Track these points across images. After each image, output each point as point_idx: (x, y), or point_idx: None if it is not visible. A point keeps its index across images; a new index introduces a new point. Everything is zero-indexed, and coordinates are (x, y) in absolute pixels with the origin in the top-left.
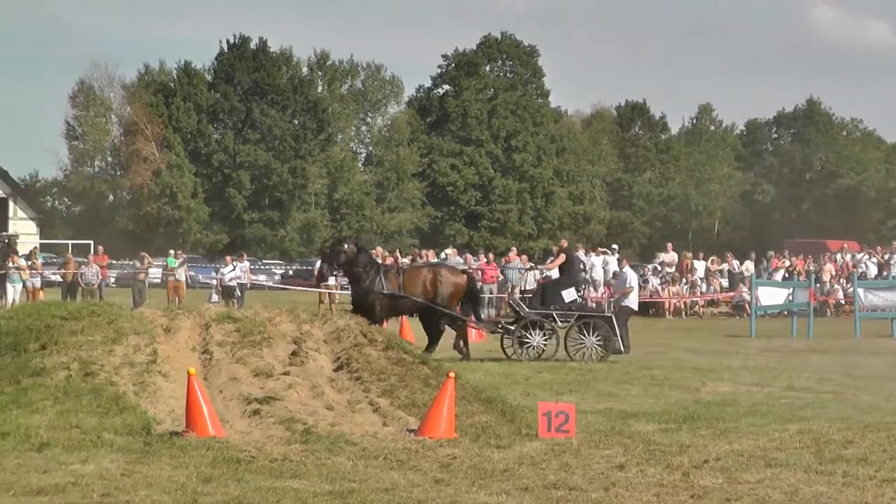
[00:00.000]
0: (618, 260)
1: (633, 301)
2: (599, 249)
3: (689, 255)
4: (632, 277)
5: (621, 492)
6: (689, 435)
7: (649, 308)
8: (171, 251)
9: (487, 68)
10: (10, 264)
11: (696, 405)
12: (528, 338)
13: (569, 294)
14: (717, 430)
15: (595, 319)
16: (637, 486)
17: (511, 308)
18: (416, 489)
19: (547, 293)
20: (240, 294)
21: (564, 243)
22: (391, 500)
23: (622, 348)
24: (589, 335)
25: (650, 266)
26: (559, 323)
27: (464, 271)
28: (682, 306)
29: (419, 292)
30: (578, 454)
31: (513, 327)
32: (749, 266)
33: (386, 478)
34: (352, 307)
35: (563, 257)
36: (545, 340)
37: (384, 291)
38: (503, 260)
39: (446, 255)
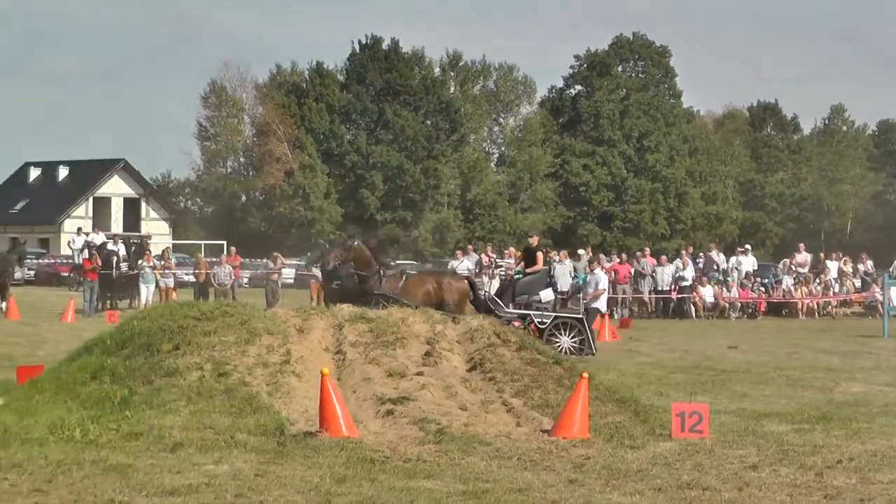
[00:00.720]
0: (588, 261)
1: (601, 303)
2: (739, 249)
3: (838, 254)
4: (602, 280)
5: (755, 492)
6: (823, 435)
7: (782, 309)
8: (310, 253)
9: (619, 68)
10: (144, 264)
11: (829, 405)
12: None
13: (547, 294)
14: (851, 431)
15: (571, 320)
16: (770, 486)
17: (474, 307)
18: (549, 489)
19: (517, 292)
20: None
21: (535, 241)
22: (525, 501)
23: (593, 350)
24: (565, 335)
25: (781, 265)
26: (536, 322)
27: (465, 276)
28: (815, 307)
29: (421, 299)
30: (712, 454)
31: None
32: None
33: (520, 478)
34: (329, 298)
35: (540, 256)
36: None
37: (376, 291)
38: (635, 259)
39: (580, 255)
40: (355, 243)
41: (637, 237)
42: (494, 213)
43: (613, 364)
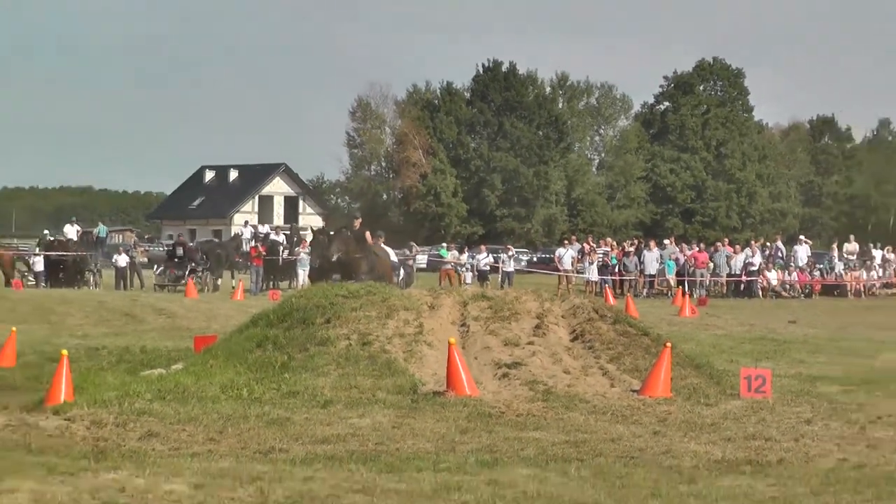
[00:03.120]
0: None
1: None
2: (801, 238)
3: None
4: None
5: (808, 442)
6: (866, 396)
7: (834, 290)
8: (444, 244)
9: (701, 87)
10: (301, 251)
11: (873, 371)
12: None
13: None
14: (890, 392)
15: None
16: (822, 437)
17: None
18: (637, 439)
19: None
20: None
21: (358, 223)
22: (617, 449)
23: None
24: None
25: (833, 253)
26: None
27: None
28: (862, 288)
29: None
30: (773, 411)
31: None
32: None
33: (613, 430)
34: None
35: (368, 236)
36: None
37: (364, 275)
38: (712, 248)
39: (665, 244)
40: (348, 233)
41: (713, 229)
42: (594, 210)
43: (692, 336)
